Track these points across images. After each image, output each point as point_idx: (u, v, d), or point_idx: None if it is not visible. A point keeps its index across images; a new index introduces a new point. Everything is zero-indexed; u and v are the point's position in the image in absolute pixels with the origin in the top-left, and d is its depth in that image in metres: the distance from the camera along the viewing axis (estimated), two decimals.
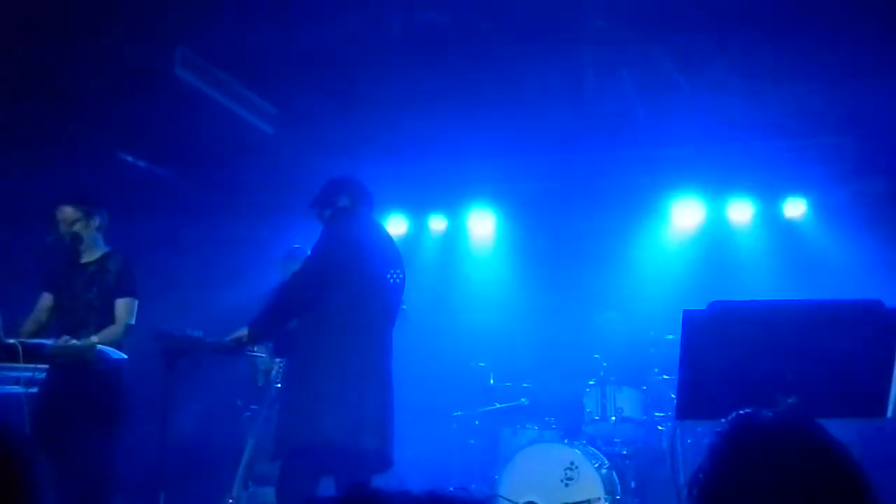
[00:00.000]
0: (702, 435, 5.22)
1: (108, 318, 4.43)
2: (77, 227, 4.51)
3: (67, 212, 4.51)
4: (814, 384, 2.87)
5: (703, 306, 2.99)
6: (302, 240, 5.41)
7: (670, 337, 5.51)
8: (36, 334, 4.40)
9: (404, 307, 4.60)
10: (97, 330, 4.34)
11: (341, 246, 3.94)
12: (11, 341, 3.89)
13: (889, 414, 2.94)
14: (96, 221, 4.60)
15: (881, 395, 2.93)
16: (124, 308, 4.47)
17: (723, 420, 1.39)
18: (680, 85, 5.74)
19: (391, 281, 4.12)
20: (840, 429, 1.65)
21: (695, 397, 2.99)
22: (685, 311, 2.94)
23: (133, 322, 4.48)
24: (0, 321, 3.84)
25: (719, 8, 4.88)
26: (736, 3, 4.86)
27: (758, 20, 5.01)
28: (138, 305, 4.53)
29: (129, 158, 6.72)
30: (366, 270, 3.95)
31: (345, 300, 3.86)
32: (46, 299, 4.61)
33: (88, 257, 4.58)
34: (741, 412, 1.39)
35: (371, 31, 5.19)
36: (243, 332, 3.98)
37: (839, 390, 2.95)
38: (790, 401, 2.81)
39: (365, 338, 3.89)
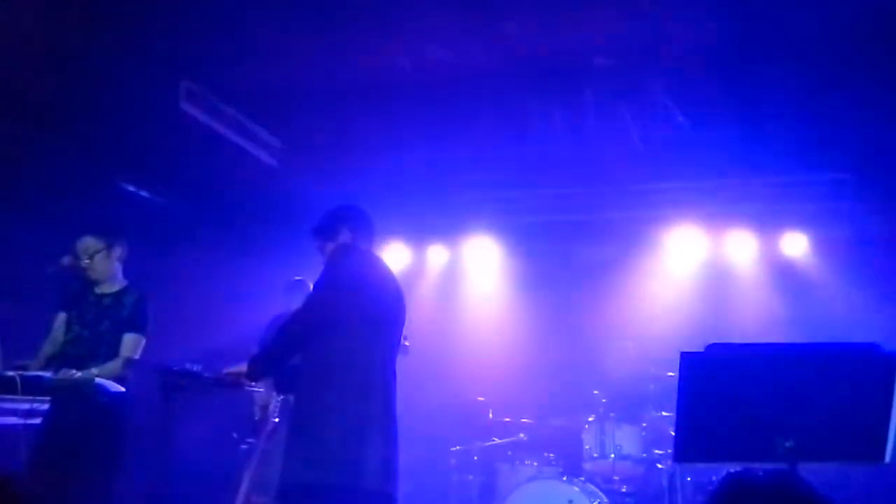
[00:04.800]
0: (701, 473, 5.18)
1: (117, 351, 4.43)
2: (98, 258, 4.50)
3: (89, 242, 4.51)
4: (812, 427, 2.87)
5: (701, 342, 2.99)
6: (304, 271, 5.42)
7: (670, 374, 5.49)
8: (55, 356, 4.39)
9: (406, 343, 4.59)
10: (105, 362, 4.34)
11: (343, 283, 3.94)
12: (10, 374, 3.89)
13: (888, 458, 2.93)
14: (117, 252, 4.59)
15: (879, 438, 2.91)
16: (130, 343, 4.46)
17: (714, 478, 1.40)
18: (679, 120, 5.79)
19: (392, 317, 4.11)
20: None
21: (693, 440, 2.98)
22: (683, 354, 2.92)
23: (136, 357, 4.47)
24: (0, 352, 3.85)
25: (718, 45, 4.94)
26: (735, 40, 4.92)
27: (757, 57, 5.06)
28: (146, 343, 4.52)
29: (132, 188, 6.76)
30: (367, 307, 3.94)
31: (346, 338, 3.85)
32: (62, 318, 4.58)
33: (106, 289, 4.58)
34: (732, 471, 1.39)
35: (376, 65, 5.25)
36: (242, 367, 3.97)
37: (837, 434, 2.94)
38: (788, 444, 2.81)
39: (367, 375, 3.87)
